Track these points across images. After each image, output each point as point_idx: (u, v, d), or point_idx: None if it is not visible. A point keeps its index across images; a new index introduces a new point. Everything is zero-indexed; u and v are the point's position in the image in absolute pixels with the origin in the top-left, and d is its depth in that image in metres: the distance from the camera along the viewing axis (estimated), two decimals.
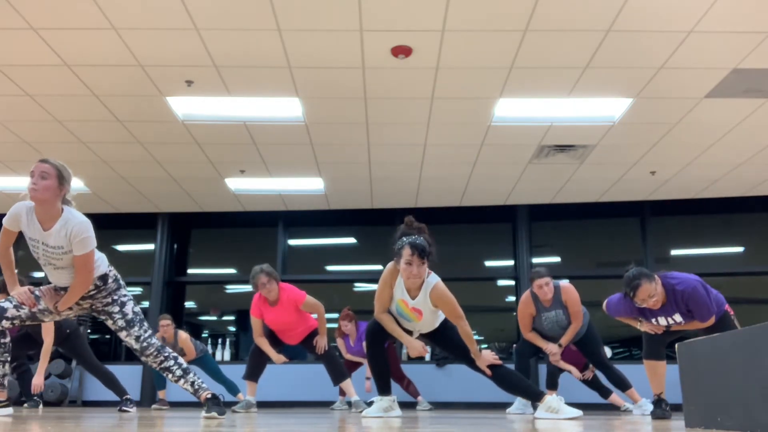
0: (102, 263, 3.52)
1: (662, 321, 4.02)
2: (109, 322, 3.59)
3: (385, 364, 4.11)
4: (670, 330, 4.07)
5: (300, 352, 5.81)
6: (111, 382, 5.53)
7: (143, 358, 3.60)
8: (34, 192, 3.20)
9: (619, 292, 4.15)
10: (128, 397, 5.41)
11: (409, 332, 3.99)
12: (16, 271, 3.55)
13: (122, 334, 3.58)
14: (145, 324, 3.61)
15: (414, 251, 3.63)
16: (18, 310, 3.43)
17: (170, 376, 3.58)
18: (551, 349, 5.51)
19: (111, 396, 7.17)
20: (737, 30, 4.40)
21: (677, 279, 3.91)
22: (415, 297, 3.79)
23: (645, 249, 8.15)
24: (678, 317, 3.96)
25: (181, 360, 3.63)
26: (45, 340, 5.26)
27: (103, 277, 3.52)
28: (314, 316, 5.44)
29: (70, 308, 3.55)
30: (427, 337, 4.06)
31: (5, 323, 3.40)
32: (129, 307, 3.58)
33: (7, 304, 3.42)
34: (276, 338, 5.49)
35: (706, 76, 5.03)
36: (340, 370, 5.53)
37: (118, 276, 3.63)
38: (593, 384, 6.06)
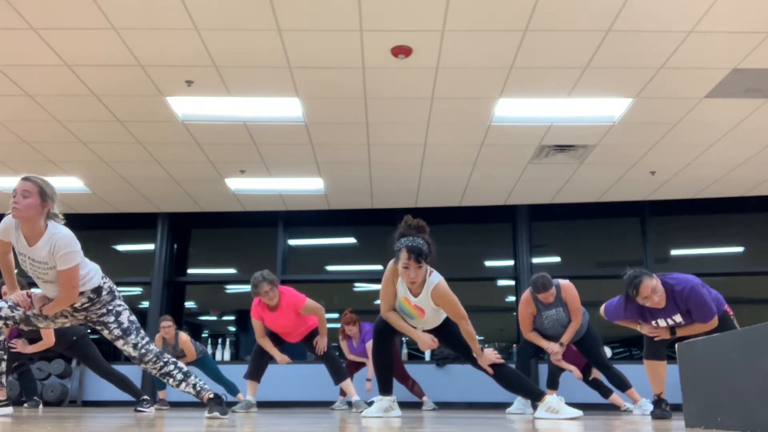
0: (95, 275, 3.48)
1: (662, 323, 4.01)
2: (105, 332, 3.57)
3: (389, 364, 4.11)
4: (676, 330, 4.04)
5: (300, 351, 5.82)
6: (125, 385, 5.45)
7: (142, 366, 3.57)
8: (16, 211, 3.20)
9: (618, 293, 4.14)
10: (145, 397, 5.38)
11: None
12: (16, 271, 3.56)
13: (119, 343, 3.55)
14: (142, 332, 3.58)
15: (411, 255, 3.60)
16: (12, 311, 3.44)
17: (171, 380, 3.56)
18: (553, 348, 5.51)
19: (111, 396, 7.18)
20: (737, 30, 4.40)
21: (676, 279, 3.91)
22: (418, 295, 3.79)
23: (645, 249, 8.15)
24: (678, 317, 3.95)
25: (180, 364, 3.62)
26: (44, 339, 5.29)
27: (97, 290, 3.49)
28: None
29: (66, 317, 3.55)
30: (431, 334, 4.05)
31: None
32: (125, 316, 3.55)
33: (2, 304, 3.44)
34: (277, 337, 5.51)
35: (706, 76, 5.03)
36: (340, 370, 5.53)
37: (113, 287, 3.59)
38: (594, 384, 6.07)
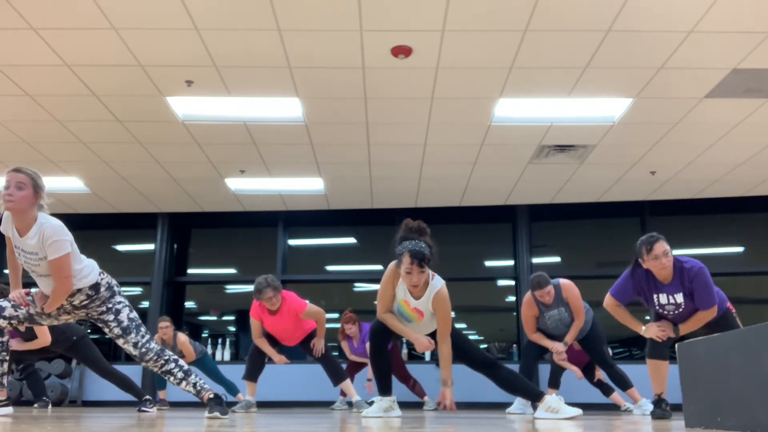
0: (92, 272, 3.46)
1: (663, 299, 4.00)
2: (106, 330, 3.57)
3: (387, 365, 4.12)
4: (679, 328, 4.04)
5: (300, 351, 5.82)
6: (127, 386, 5.43)
7: (143, 364, 3.58)
8: (10, 203, 3.21)
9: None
10: (147, 397, 5.37)
11: None
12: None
13: (120, 342, 3.55)
14: (143, 329, 3.57)
15: (413, 260, 3.60)
16: (16, 310, 3.46)
17: (172, 379, 3.57)
18: (557, 347, 5.51)
19: (111, 396, 7.18)
20: (737, 30, 4.40)
21: (686, 259, 3.97)
22: (418, 297, 3.79)
23: None
24: (680, 297, 3.95)
25: (181, 362, 3.62)
26: (39, 338, 5.28)
27: (95, 287, 3.48)
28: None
29: (68, 314, 3.55)
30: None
31: (2, 322, 3.44)
32: (124, 314, 3.54)
33: (5, 304, 3.46)
34: (274, 340, 5.50)
35: (706, 76, 5.03)
36: (339, 371, 5.54)
37: (113, 283, 3.58)
38: (598, 384, 6.08)
